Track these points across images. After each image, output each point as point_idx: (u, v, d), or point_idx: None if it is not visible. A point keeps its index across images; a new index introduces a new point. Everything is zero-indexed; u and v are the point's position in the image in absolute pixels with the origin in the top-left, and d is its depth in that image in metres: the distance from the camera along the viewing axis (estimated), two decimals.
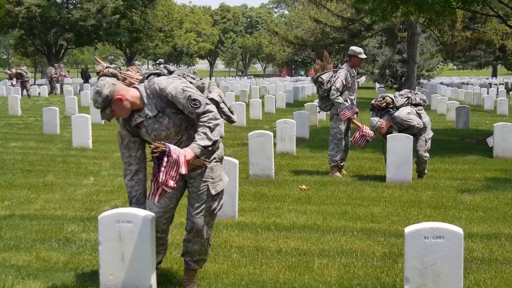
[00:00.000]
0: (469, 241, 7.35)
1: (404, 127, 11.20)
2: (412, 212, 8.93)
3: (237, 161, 8.53)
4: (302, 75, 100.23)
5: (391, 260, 6.66)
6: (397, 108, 11.21)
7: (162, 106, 5.29)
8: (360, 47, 11.77)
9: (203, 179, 5.54)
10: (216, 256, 6.79)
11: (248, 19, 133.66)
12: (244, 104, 22.34)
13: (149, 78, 5.41)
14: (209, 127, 5.26)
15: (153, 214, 5.45)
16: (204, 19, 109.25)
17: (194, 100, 5.22)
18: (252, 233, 7.78)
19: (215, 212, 5.63)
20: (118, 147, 5.71)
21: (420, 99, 11.34)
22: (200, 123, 5.26)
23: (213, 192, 5.53)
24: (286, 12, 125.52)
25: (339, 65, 12.06)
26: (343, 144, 11.81)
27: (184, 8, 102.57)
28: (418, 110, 11.31)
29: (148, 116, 5.32)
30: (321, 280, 6.03)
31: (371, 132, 11.37)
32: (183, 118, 5.36)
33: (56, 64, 45.78)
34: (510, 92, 37.90)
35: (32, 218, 8.42)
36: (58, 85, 43.22)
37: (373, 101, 11.47)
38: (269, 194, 10.14)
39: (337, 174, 11.77)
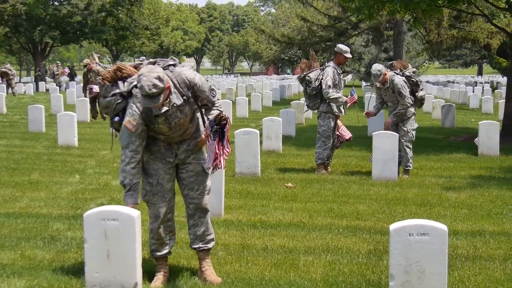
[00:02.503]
0: (454, 238, 7.39)
1: (394, 106, 11.41)
2: (398, 209, 8.97)
3: None
4: (288, 74, 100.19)
5: (376, 257, 6.68)
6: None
7: (188, 95, 5.56)
8: (347, 46, 11.81)
9: (197, 162, 5.88)
10: None
11: (235, 17, 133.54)
12: (231, 102, 22.34)
13: (170, 69, 5.57)
14: (221, 111, 5.73)
15: (139, 212, 5.44)
16: (190, 17, 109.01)
17: (213, 90, 5.75)
18: (238, 230, 7.79)
19: (209, 189, 6.04)
20: (119, 140, 5.80)
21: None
22: (213, 108, 5.79)
23: (208, 171, 5.82)
24: (273, 10, 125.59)
25: (326, 63, 12.08)
26: (331, 142, 11.84)
27: (170, 6, 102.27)
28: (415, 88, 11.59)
29: (174, 105, 5.51)
30: (307, 277, 6.05)
31: (348, 134, 11.79)
32: (192, 107, 5.68)
33: (58, 62, 46.01)
34: (495, 91, 38.09)
35: (17, 217, 8.39)
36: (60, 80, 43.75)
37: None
38: (255, 192, 10.15)
39: (323, 171, 11.80)
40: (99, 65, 22.09)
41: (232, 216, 8.50)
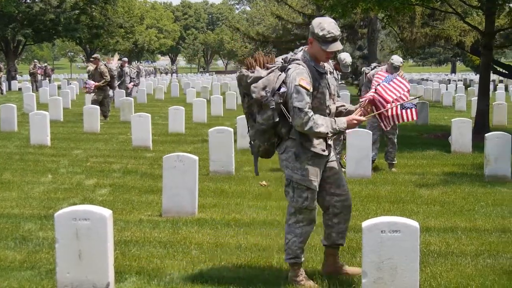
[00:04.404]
0: (426, 234, 7.44)
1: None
2: (371, 207, 9.00)
3: (196, 158, 8.51)
4: None
5: (350, 255, 6.70)
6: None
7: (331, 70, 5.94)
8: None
9: (336, 159, 6.03)
10: (175, 253, 6.78)
11: (210, 16, 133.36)
12: (205, 100, 22.29)
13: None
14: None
15: (110, 211, 5.41)
16: (165, 15, 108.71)
17: None
18: (212, 229, 7.77)
19: None
20: (294, 103, 5.50)
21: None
22: None
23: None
24: (248, 8, 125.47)
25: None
26: (376, 141, 11.89)
27: (145, 4, 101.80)
28: None
29: (329, 69, 5.90)
30: (281, 275, 6.04)
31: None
32: None
33: (35, 61, 45.79)
34: (468, 88, 38.38)
35: None
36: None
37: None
38: (229, 190, 10.14)
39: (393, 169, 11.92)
40: (105, 65, 22.07)
41: (205, 215, 8.48)
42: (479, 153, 13.78)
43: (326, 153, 5.72)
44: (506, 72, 52.50)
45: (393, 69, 11.30)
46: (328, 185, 5.86)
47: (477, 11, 25.40)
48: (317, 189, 5.75)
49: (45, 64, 54.98)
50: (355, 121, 5.64)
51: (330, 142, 5.84)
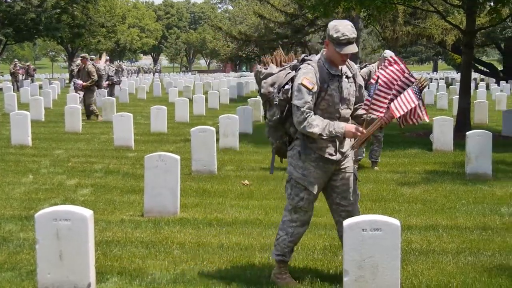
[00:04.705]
0: (408, 232, 7.47)
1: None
2: None
3: (178, 157, 8.49)
4: (244, 71, 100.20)
5: (332, 253, 6.71)
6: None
7: (354, 74, 5.84)
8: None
9: (350, 170, 5.91)
10: (157, 253, 6.76)
11: (192, 15, 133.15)
12: (188, 100, 22.25)
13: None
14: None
15: (91, 211, 5.38)
16: (147, 14, 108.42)
17: None
18: (194, 229, 7.76)
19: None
20: (293, 101, 5.57)
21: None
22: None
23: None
24: (230, 7, 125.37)
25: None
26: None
27: (126, 3, 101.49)
28: None
29: (346, 74, 5.74)
30: (263, 274, 6.04)
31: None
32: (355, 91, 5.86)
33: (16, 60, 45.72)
34: (450, 87, 38.55)
35: None
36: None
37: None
38: (212, 190, 10.13)
39: (376, 168, 11.91)
40: (93, 64, 22.07)
41: (188, 214, 8.46)
42: (460, 151, 13.83)
43: (334, 158, 5.65)
44: (487, 70, 52.91)
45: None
46: (335, 194, 5.81)
47: (458, 10, 25.60)
48: (315, 193, 5.71)
49: (28, 63, 54.60)
50: (354, 130, 5.50)
51: (345, 149, 5.75)
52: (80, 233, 5.28)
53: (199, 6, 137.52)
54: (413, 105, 5.41)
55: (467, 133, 11.43)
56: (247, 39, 40.81)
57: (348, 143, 5.75)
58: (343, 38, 5.36)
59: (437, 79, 57.18)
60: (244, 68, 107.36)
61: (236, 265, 6.36)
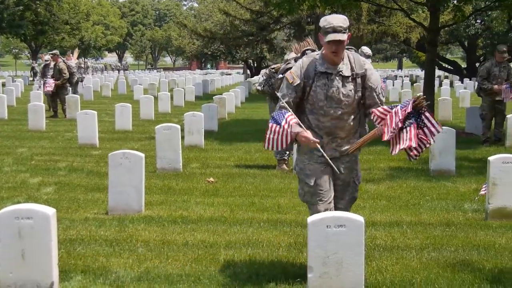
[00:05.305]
0: (372, 229, 7.51)
1: None
2: None
3: (143, 155, 8.45)
4: (209, 68, 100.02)
5: (297, 250, 6.72)
6: None
7: (357, 74, 5.65)
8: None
9: (349, 173, 5.88)
10: (121, 251, 6.71)
11: (157, 12, 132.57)
12: (153, 97, 22.14)
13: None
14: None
15: (54, 210, 5.33)
16: (112, 11, 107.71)
17: (382, 89, 5.83)
18: (159, 226, 7.72)
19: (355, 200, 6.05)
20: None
21: None
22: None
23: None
24: (195, 4, 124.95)
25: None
26: None
27: (91, 0, 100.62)
28: None
29: (341, 72, 5.60)
30: (228, 271, 6.04)
31: None
32: (356, 93, 5.70)
33: None
34: (414, 84, 38.89)
35: None
36: None
37: None
38: (177, 187, 10.09)
39: (284, 166, 11.70)
40: (64, 62, 21.90)
41: (152, 212, 8.42)
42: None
43: (319, 153, 5.58)
44: (451, 68, 53.42)
45: (366, 58, 11.53)
46: (336, 192, 5.78)
47: (422, 7, 25.80)
48: (313, 184, 5.62)
49: None
50: (304, 139, 5.42)
51: (342, 147, 5.69)
52: (42, 231, 5.22)
53: (164, 3, 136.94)
54: (407, 144, 5.18)
55: None
56: (213, 37, 40.76)
57: (344, 142, 5.69)
58: (328, 26, 5.32)
59: (401, 77, 57.58)
60: (209, 66, 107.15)
61: (201, 262, 6.34)
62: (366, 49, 12.08)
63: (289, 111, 5.51)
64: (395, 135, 5.24)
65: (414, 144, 5.17)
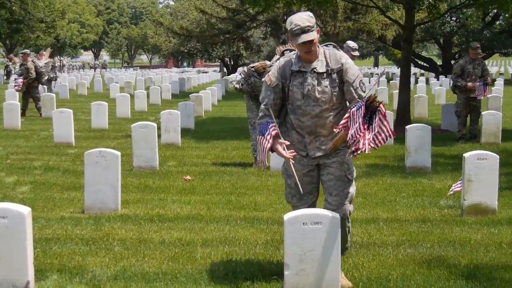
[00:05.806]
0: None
1: None
2: None
3: (119, 153, 8.41)
4: (186, 66, 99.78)
5: (273, 247, 6.73)
6: None
7: (332, 69, 5.55)
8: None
9: (339, 166, 5.74)
10: (97, 250, 6.68)
11: (133, 10, 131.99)
12: (129, 95, 22.06)
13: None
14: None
15: (29, 209, 5.29)
16: (87, 9, 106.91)
17: (362, 82, 5.67)
18: (135, 225, 7.70)
19: (352, 197, 5.89)
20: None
21: None
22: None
23: (346, 155, 5.67)
24: (171, 2, 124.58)
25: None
26: None
27: None
28: None
29: (315, 69, 5.54)
30: (204, 269, 6.04)
31: None
32: (333, 88, 5.61)
33: None
34: (390, 82, 39.07)
35: None
36: None
37: None
38: (153, 185, 10.07)
39: (260, 164, 11.67)
40: (32, 61, 21.76)
41: (129, 211, 8.39)
42: (400, 145, 14.00)
43: (303, 153, 5.61)
44: (427, 65, 53.74)
45: (353, 51, 11.64)
46: (324, 189, 5.76)
47: (398, 5, 25.92)
48: (294, 186, 5.60)
49: None
50: (277, 153, 5.48)
51: (324, 146, 5.60)
52: (17, 230, 5.18)
53: (140, 1, 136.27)
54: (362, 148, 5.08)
55: (406, 126, 11.59)
56: (189, 35, 40.67)
57: (328, 140, 5.59)
58: (296, 28, 5.27)
59: (378, 74, 57.85)
60: (186, 64, 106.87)
61: (178, 260, 6.33)
62: (351, 43, 12.07)
63: (273, 120, 5.49)
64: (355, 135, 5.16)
65: (366, 151, 5.10)
